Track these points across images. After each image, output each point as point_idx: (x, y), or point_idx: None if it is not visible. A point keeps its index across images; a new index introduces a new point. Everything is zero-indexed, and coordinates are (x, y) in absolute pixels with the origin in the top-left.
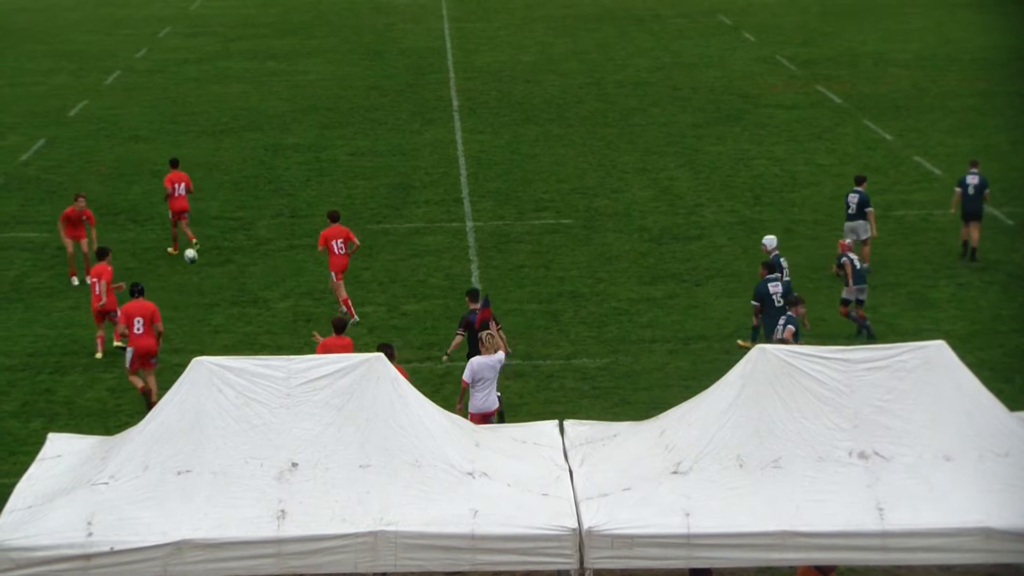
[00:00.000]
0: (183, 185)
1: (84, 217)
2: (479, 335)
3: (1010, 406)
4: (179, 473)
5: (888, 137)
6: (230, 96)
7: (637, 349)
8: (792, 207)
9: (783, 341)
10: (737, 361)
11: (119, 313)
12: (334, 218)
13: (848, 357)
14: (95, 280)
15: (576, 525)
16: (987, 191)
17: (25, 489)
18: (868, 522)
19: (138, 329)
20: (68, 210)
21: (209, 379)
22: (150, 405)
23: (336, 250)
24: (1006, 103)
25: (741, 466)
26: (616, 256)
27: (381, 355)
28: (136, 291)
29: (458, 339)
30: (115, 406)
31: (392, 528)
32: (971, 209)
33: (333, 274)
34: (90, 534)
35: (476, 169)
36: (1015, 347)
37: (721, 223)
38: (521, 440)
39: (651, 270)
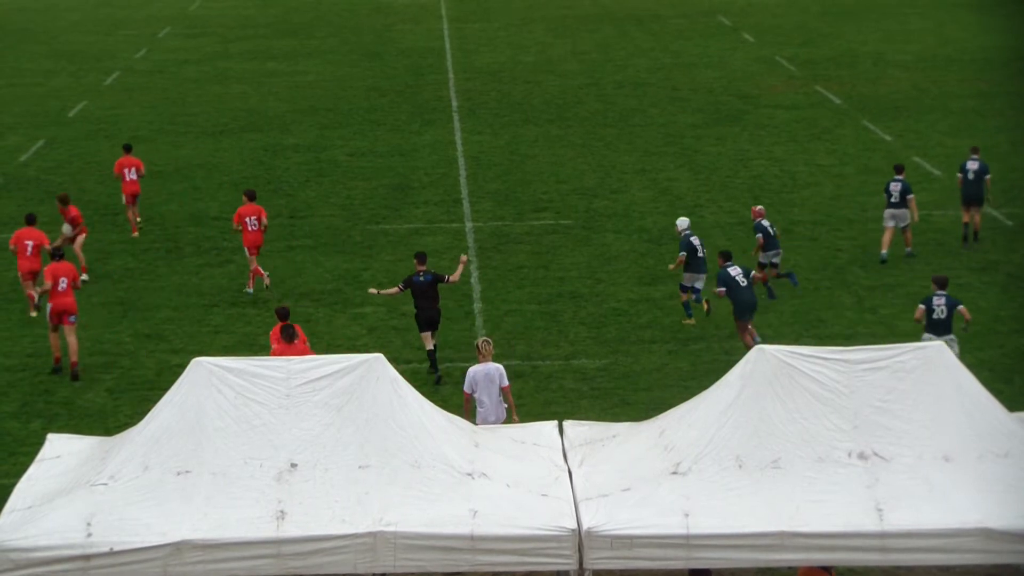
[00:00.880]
0: (134, 170)
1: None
2: (476, 342)
3: (1010, 407)
4: (179, 473)
5: (887, 138)
6: (229, 97)
7: (636, 350)
8: (791, 208)
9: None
10: (736, 362)
11: (43, 273)
12: (251, 196)
13: (848, 358)
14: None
15: (575, 526)
16: (988, 176)
17: (24, 489)
18: (867, 523)
19: (61, 287)
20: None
21: (208, 380)
22: (73, 373)
23: (250, 227)
24: (1006, 104)
25: (740, 466)
26: (615, 257)
27: (380, 356)
28: (58, 255)
29: (394, 290)
30: (114, 407)
31: (391, 529)
32: (971, 194)
33: (247, 250)
34: (89, 535)
35: (475, 170)
36: (1014, 348)
37: (720, 224)
38: (520, 441)
39: (650, 271)
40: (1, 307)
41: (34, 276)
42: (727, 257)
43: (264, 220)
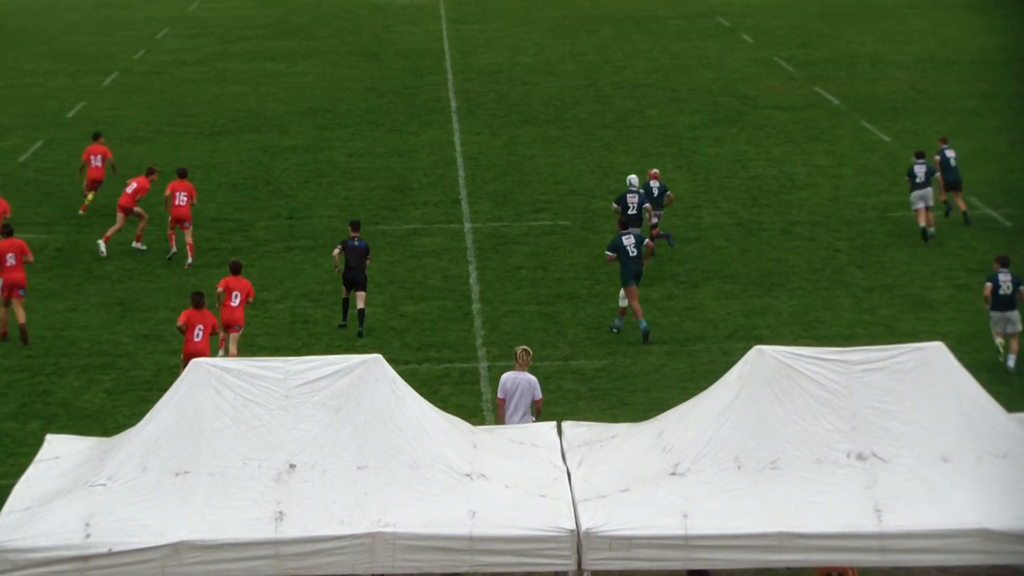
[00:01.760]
0: (100, 157)
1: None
2: (515, 349)
3: (1008, 407)
4: (177, 474)
5: (886, 139)
6: (228, 97)
7: (635, 351)
8: (790, 208)
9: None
10: (735, 363)
11: None
12: (182, 175)
13: (846, 359)
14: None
15: (574, 526)
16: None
17: (23, 490)
18: (866, 523)
19: (11, 263)
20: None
21: (207, 380)
22: (23, 337)
23: (178, 202)
24: (1005, 104)
25: (739, 467)
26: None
27: (379, 356)
28: (7, 231)
29: (336, 252)
30: (113, 407)
31: (390, 529)
32: (953, 180)
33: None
34: (88, 535)
35: (474, 170)
36: None
37: (719, 224)
38: (519, 441)
39: (648, 272)
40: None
41: None
42: (625, 225)
43: (195, 200)
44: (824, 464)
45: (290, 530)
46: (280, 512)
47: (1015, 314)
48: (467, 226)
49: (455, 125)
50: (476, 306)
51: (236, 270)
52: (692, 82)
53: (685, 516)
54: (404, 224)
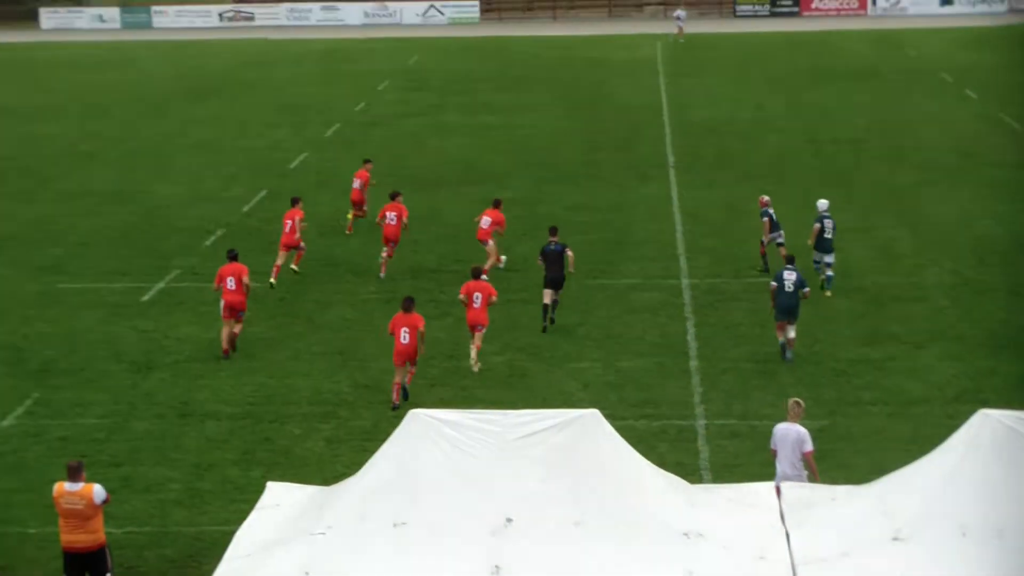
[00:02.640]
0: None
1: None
2: (787, 401)
3: None
4: (395, 525)
5: None
6: (447, 149)
7: (855, 411)
8: (1018, 268)
9: None
10: (959, 426)
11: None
12: (392, 196)
13: None
14: None
15: None
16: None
17: (244, 537)
18: None
19: (231, 286)
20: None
21: (425, 432)
22: (232, 344)
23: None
24: None
25: (964, 535)
26: (834, 316)
27: (596, 412)
28: (231, 256)
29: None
30: (332, 456)
31: None
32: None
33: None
34: None
35: (692, 225)
36: None
37: (942, 284)
38: (737, 501)
39: (870, 331)
40: (223, 357)
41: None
42: (791, 260)
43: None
44: None
45: None
46: (496, 567)
47: None
48: (685, 282)
49: (672, 179)
50: (694, 363)
51: (476, 274)
52: (914, 138)
53: None
54: (622, 279)
